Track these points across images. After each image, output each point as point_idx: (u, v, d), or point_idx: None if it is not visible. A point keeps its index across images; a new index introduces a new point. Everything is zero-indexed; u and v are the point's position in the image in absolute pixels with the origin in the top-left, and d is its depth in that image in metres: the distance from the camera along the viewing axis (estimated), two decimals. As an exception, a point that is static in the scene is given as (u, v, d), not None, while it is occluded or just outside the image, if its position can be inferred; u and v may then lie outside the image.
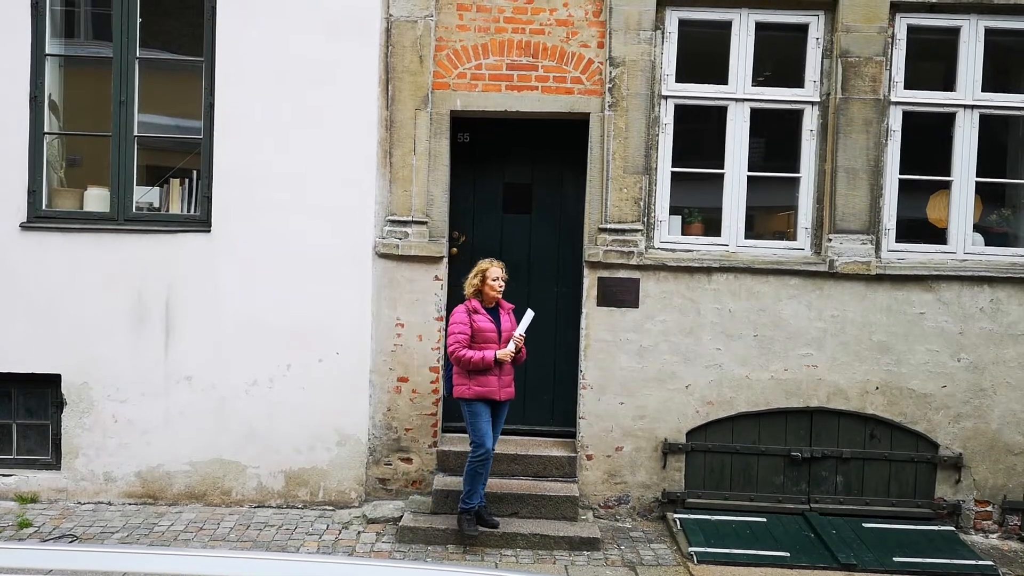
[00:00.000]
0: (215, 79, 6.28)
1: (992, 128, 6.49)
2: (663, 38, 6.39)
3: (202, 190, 6.37)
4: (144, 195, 6.48)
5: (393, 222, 6.37)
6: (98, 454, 6.36)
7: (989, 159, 6.44)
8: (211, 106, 6.31)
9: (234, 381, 6.34)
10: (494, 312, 5.68)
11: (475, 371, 5.57)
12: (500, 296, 5.66)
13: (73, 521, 6.01)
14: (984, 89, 6.35)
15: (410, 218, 6.37)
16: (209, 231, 6.32)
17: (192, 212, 6.43)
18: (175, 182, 6.48)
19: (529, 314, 5.53)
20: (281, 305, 6.29)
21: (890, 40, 6.30)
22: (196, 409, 6.34)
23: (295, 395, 6.33)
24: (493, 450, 5.68)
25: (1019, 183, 6.50)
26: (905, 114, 6.37)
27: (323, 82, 6.26)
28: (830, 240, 6.31)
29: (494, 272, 5.62)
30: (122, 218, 6.35)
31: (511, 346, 5.52)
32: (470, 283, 5.69)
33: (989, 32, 6.33)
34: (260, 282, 6.30)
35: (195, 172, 6.44)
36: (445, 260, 6.43)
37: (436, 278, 6.41)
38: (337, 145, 6.28)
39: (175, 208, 6.47)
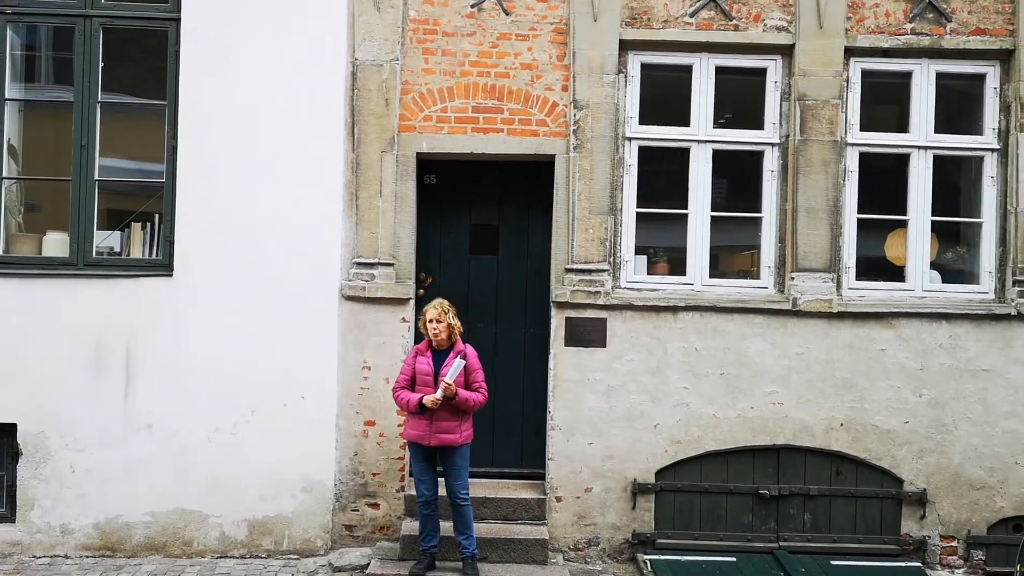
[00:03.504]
0: (178, 122, 6.24)
1: (945, 168, 6.66)
2: (626, 81, 6.50)
3: (164, 234, 6.30)
4: (104, 239, 6.38)
5: (359, 264, 6.34)
6: (55, 505, 6.17)
7: (943, 198, 6.60)
8: (174, 149, 6.26)
9: (196, 428, 6.21)
10: (444, 355, 5.58)
11: (411, 413, 5.55)
12: (441, 338, 5.53)
13: (27, 576, 5.82)
14: (937, 131, 6.53)
15: (376, 260, 6.34)
16: (171, 275, 6.23)
17: (154, 256, 6.35)
18: (136, 226, 6.40)
19: (460, 362, 5.44)
20: (245, 349, 6.20)
21: (845, 84, 6.47)
22: (157, 458, 6.19)
23: (259, 441, 6.21)
24: (430, 495, 5.59)
25: (972, 222, 6.65)
26: (861, 155, 6.53)
27: (288, 125, 6.24)
28: (793, 278, 6.40)
29: (430, 313, 5.54)
30: (82, 263, 6.24)
31: (438, 392, 5.41)
32: (420, 325, 5.66)
33: (940, 76, 6.53)
34: (223, 326, 6.21)
35: (157, 216, 6.37)
36: (412, 302, 6.40)
37: (403, 320, 6.37)
38: (302, 188, 6.26)
39: (136, 252, 6.39)
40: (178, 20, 6.26)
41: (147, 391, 6.21)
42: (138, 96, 6.58)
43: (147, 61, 6.42)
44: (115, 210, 6.50)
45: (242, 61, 6.25)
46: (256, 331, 6.20)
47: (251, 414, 6.23)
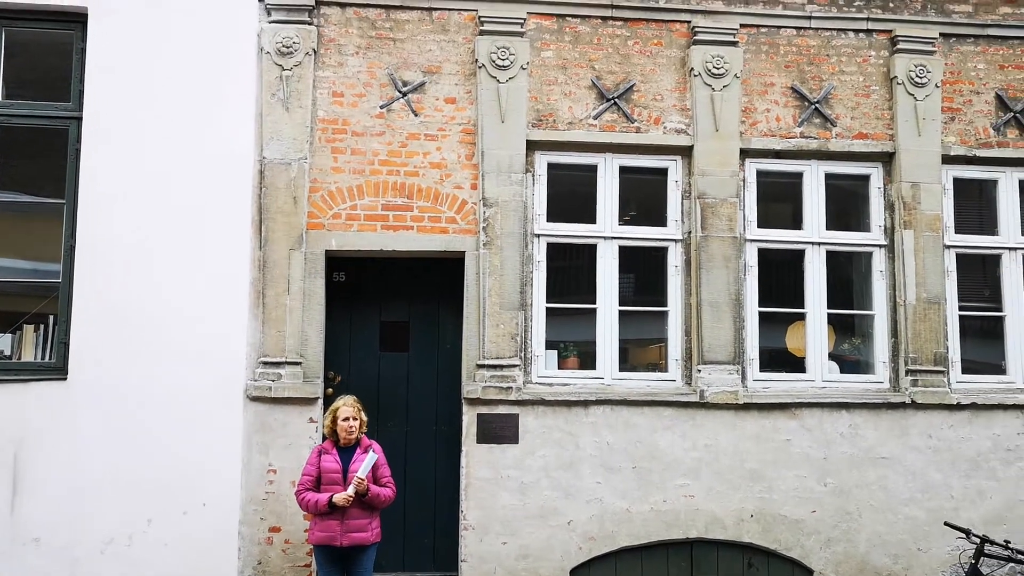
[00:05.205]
0: (77, 221, 6.09)
1: (839, 263, 6.98)
2: (534, 180, 6.66)
3: (59, 336, 6.08)
4: (-8, 343, 6.13)
5: (266, 364, 6.21)
6: (-73, 631, 5.72)
7: (838, 291, 6.90)
8: (72, 248, 6.10)
9: (88, 541, 5.87)
10: (350, 451, 5.45)
11: (319, 514, 5.34)
12: (353, 436, 5.42)
13: None
14: (828, 227, 6.86)
15: (284, 359, 6.23)
16: (65, 379, 5.99)
17: (47, 359, 6.10)
18: (29, 328, 6.16)
19: (372, 456, 5.34)
20: (144, 455, 5.94)
21: (742, 183, 6.77)
22: (45, 573, 5.80)
23: (156, 553, 5.90)
24: None
25: (865, 314, 6.95)
26: (760, 251, 6.79)
27: (193, 223, 6.16)
28: (699, 371, 6.53)
29: (344, 412, 5.42)
30: (-32, 368, 5.96)
31: (350, 489, 5.27)
32: (326, 423, 5.53)
33: (829, 176, 6.91)
34: (121, 431, 5.95)
35: (52, 317, 6.14)
36: (320, 401, 6.27)
37: (311, 420, 6.23)
38: (207, 286, 6.14)
39: (29, 356, 6.13)
40: (80, 118, 6.19)
41: (36, 502, 5.88)
42: (35, 194, 6.41)
43: (47, 158, 6.29)
44: (6, 312, 6.25)
45: (146, 158, 6.17)
46: (155, 436, 5.97)
47: (148, 524, 5.93)
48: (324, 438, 5.65)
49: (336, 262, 6.56)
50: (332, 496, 5.26)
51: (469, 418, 6.34)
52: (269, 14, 6.45)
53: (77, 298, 6.04)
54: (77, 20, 6.26)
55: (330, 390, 6.45)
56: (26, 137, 6.31)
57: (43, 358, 6.13)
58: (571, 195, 6.79)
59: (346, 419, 5.41)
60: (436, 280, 6.69)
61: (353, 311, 6.67)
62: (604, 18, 6.75)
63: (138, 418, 5.97)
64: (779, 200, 7.08)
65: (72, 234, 6.12)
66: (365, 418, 5.51)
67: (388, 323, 6.70)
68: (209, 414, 6.05)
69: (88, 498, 5.90)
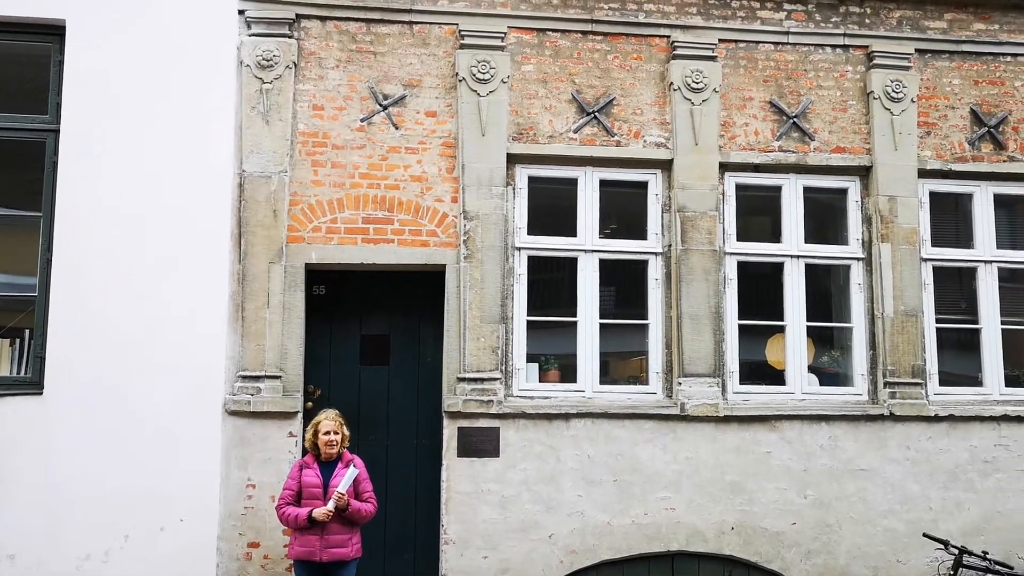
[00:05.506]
0: (54, 234, 6.03)
1: (817, 276, 7.03)
2: (514, 193, 6.67)
3: (35, 350, 6.02)
4: (-34, 359, 6.07)
5: (245, 377, 6.18)
6: None
7: (817, 304, 6.95)
8: (48, 262, 6.05)
9: (64, 557, 5.79)
10: (331, 466, 5.42)
11: (299, 529, 5.30)
12: (334, 451, 5.40)
13: None
14: (807, 241, 6.90)
15: (263, 373, 6.19)
16: (41, 393, 5.92)
17: (23, 374, 6.04)
18: (4, 342, 6.10)
19: (352, 471, 5.32)
20: (121, 471, 5.88)
21: (721, 196, 6.81)
22: (19, 591, 5.75)
23: (133, 569, 5.83)
24: None
25: (844, 326, 7.00)
26: (740, 264, 6.83)
27: (172, 236, 6.13)
28: (680, 384, 6.54)
29: (325, 426, 5.40)
30: (-59, 384, 5.90)
31: (331, 504, 5.24)
32: (307, 437, 5.50)
33: (807, 190, 6.96)
34: (97, 447, 5.88)
35: (28, 331, 6.09)
36: (300, 415, 6.24)
37: (290, 434, 6.19)
38: (186, 300, 6.10)
39: (4, 370, 6.06)
40: (57, 131, 6.14)
41: (11, 518, 5.80)
42: (11, 207, 6.36)
43: (24, 172, 6.24)
44: (-18, 326, 6.21)
45: (125, 171, 6.13)
46: (132, 451, 5.91)
47: (125, 540, 5.87)
48: (305, 452, 5.62)
49: (316, 275, 6.54)
50: (312, 511, 5.24)
51: (450, 432, 6.32)
52: (249, 27, 6.45)
53: (53, 312, 5.98)
54: (55, 32, 6.22)
55: (310, 404, 6.41)
56: (2, 150, 6.25)
57: (19, 373, 6.06)
58: (552, 208, 6.80)
59: (327, 433, 5.39)
60: (417, 293, 6.67)
61: (333, 324, 6.64)
62: (584, 32, 6.79)
63: (115, 433, 5.92)
64: (758, 213, 7.13)
65: (49, 247, 6.06)
66: (347, 432, 5.50)
67: (369, 336, 6.68)
68: (187, 428, 6.00)
69: (64, 514, 5.83)
